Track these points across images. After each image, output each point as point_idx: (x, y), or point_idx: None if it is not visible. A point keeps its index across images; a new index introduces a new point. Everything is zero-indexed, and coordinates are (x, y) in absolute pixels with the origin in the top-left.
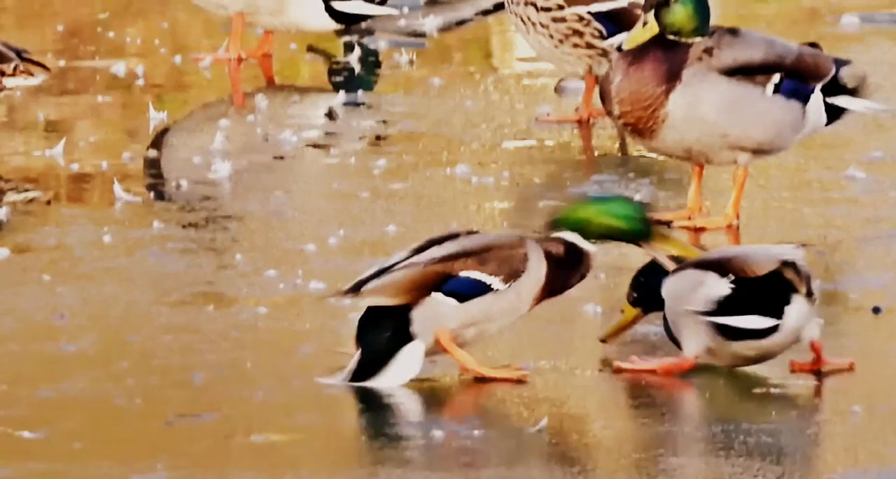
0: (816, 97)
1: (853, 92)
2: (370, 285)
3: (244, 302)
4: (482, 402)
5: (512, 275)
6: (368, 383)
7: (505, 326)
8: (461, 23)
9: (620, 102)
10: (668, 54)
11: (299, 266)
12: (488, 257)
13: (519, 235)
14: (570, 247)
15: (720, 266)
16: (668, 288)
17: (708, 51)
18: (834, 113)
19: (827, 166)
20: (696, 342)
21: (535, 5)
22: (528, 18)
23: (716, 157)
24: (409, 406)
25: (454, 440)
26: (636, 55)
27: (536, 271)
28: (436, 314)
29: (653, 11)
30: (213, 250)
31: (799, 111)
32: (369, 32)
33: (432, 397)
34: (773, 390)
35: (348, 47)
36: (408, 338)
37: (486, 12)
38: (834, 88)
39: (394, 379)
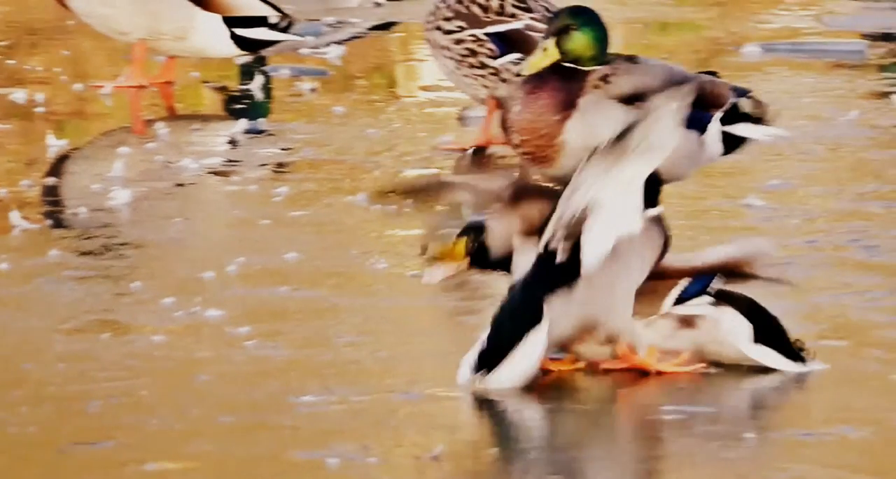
0: (714, 126)
1: (752, 120)
2: None
3: (140, 330)
4: (378, 429)
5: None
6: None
7: None
8: (350, 39)
9: (519, 132)
10: (565, 82)
11: (197, 294)
12: None
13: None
14: None
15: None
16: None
17: (605, 78)
18: (733, 142)
19: (725, 195)
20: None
21: (440, 29)
22: (436, 42)
23: None
24: (304, 433)
25: (349, 468)
26: (535, 84)
27: None
28: None
29: (553, 38)
30: (111, 277)
31: (696, 141)
32: (269, 60)
33: (328, 423)
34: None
35: (249, 75)
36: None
37: (361, 34)
38: (733, 116)
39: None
